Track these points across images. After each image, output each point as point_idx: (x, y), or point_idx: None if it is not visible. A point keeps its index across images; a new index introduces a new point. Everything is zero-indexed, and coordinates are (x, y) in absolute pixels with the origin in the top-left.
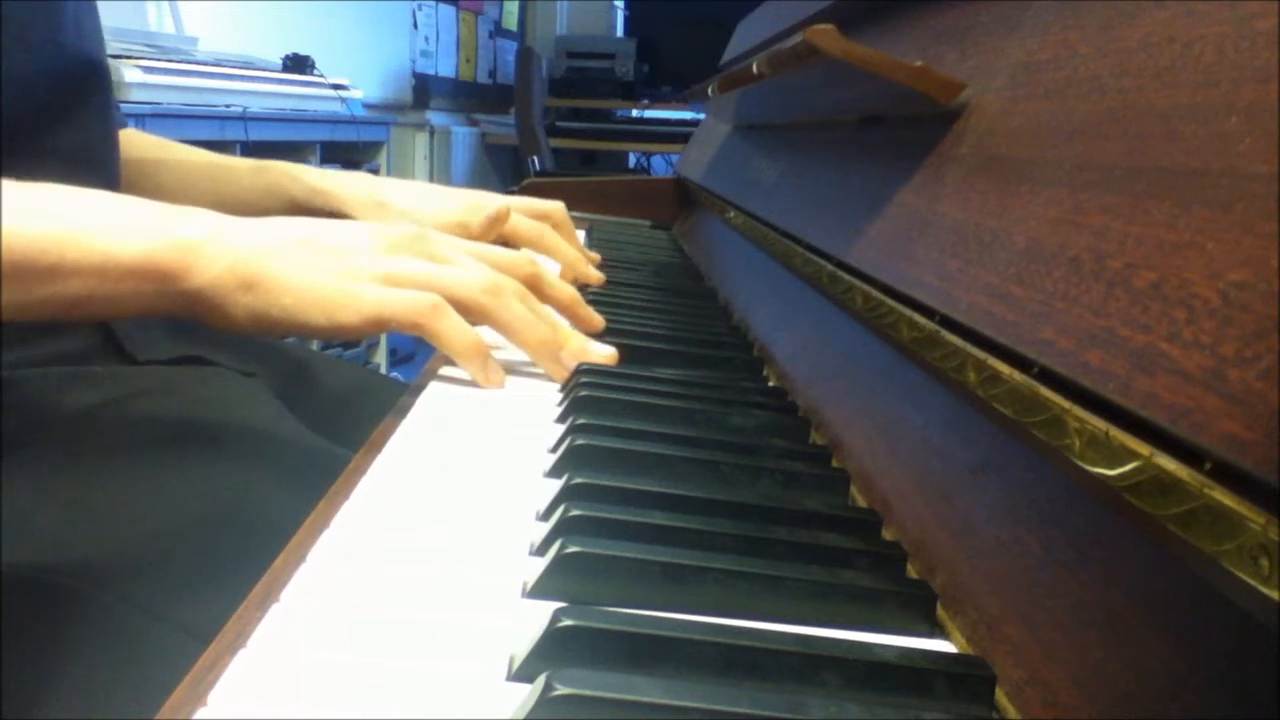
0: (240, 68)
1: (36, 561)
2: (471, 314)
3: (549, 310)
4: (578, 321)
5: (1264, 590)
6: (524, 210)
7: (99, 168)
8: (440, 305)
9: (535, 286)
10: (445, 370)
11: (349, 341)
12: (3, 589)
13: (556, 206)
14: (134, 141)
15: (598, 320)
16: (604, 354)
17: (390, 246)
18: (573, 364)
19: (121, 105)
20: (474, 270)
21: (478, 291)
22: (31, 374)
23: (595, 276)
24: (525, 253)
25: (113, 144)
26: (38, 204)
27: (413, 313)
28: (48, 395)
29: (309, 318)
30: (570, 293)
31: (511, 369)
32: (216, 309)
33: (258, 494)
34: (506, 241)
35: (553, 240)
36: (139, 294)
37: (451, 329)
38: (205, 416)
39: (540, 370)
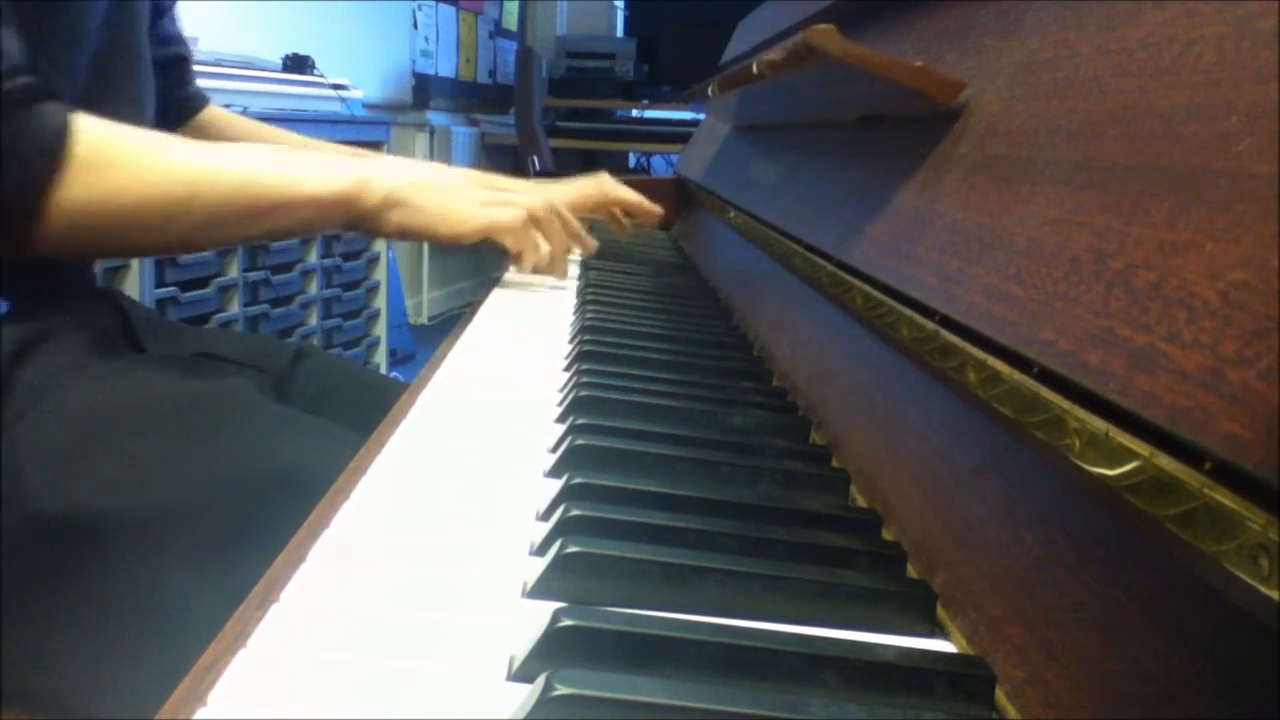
0: (240, 68)
1: (83, 507)
2: (536, 225)
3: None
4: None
5: (1264, 590)
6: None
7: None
8: (526, 222)
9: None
10: (445, 370)
11: (349, 341)
12: (44, 532)
13: (595, 182)
14: (227, 120)
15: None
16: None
17: (475, 181)
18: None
19: None
20: (531, 196)
21: (540, 209)
22: (58, 335)
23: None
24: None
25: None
26: (270, 160)
27: (510, 225)
28: (80, 359)
29: (437, 228)
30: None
31: (510, 353)
32: (377, 222)
33: (285, 461)
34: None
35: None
36: (333, 217)
37: (531, 242)
38: (231, 390)
39: (541, 369)
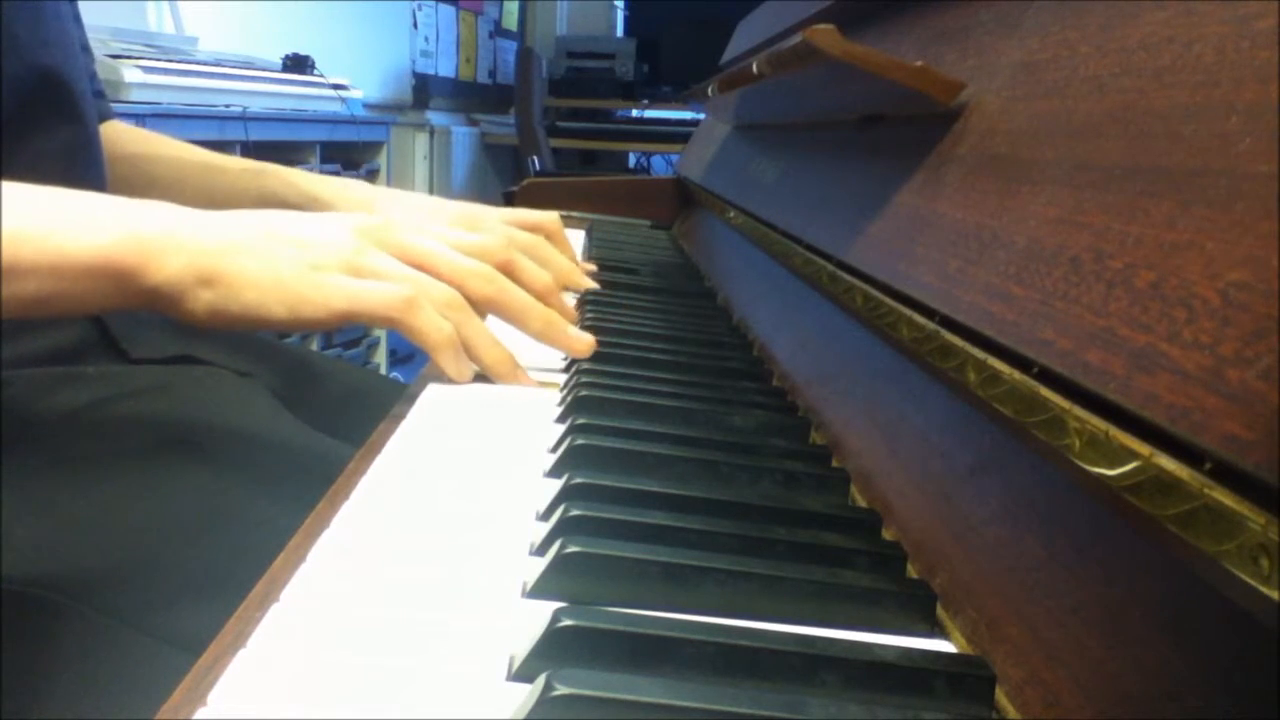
0: (240, 68)
1: (17, 574)
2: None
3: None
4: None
5: (1264, 590)
6: (519, 223)
7: (87, 165)
8: (415, 299)
9: (510, 272)
10: None
11: (348, 341)
12: None
13: (551, 218)
14: (126, 136)
15: (570, 314)
16: (586, 340)
17: (359, 234)
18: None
19: (121, 105)
20: (452, 258)
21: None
22: (19, 375)
23: (586, 284)
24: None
25: (96, 142)
26: None
27: (386, 305)
28: (34, 398)
29: (269, 312)
30: (545, 280)
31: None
32: (176, 304)
33: (244, 502)
34: None
35: (547, 252)
36: (97, 292)
37: (426, 322)
38: (195, 420)
39: (540, 371)
